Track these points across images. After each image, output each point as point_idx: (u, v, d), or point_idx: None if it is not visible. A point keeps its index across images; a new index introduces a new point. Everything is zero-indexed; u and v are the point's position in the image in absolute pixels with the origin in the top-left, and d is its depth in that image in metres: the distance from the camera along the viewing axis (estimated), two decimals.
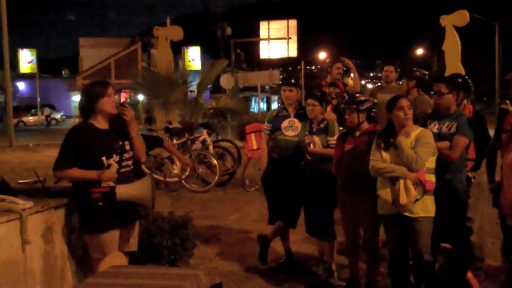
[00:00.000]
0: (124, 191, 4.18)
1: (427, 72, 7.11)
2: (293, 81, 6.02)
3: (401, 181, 4.51)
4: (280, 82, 6.20)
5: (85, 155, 4.15)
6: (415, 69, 7.10)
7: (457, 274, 4.15)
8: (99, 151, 4.18)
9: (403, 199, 4.50)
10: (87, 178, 4.14)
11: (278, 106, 6.38)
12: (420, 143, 4.59)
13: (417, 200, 4.52)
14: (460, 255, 4.19)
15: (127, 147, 4.36)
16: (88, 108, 4.27)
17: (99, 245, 4.24)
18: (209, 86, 13.69)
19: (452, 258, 4.14)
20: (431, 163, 4.62)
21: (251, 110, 32.18)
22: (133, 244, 4.57)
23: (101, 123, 4.28)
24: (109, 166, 4.18)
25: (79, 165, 4.15)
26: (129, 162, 4.38)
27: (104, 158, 4.18)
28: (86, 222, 4.28)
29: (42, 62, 58.67)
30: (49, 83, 59.03)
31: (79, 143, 4.17)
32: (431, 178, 4.61)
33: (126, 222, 4.42)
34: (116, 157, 4.24)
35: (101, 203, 4.13)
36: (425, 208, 4.59)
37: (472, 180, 5.36)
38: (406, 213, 4.59)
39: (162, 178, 11.21)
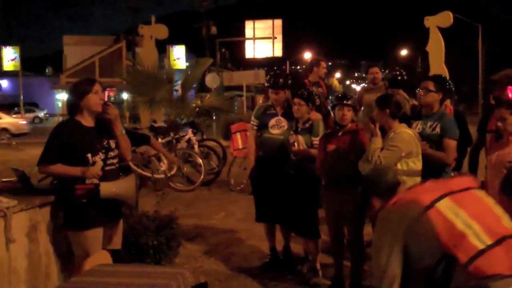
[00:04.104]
0: (107, 188, 4.18)
1: (401, 72, 7.17)
2: (281, 80, 6.03)
3: None
4: (267, 84, 6.18)
5: (70, 152, 4.15)
6: (396, 69, 7.16)
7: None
8: (84, 148, 4.19)
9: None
10: (72, 174, 4.15)
11: (266, 103, 6.39)
12: (387, 146, 4.64)
13: None
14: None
15: (113, 145, 4.37)
16: (74, 105, 4.28)
17: (82, 243, 4.24)
18: (194, 85, 13.64)
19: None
20: (405, 165, 4.64)
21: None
22: (116, 243, 4.57)
23: (87, 121, 4.28)
24: (94, 163, 4.19)
25: (64, 161, 4.15)
26: (115, 160, 4.39)
27: (89, 155, 4.19)
28: (69, 219, 4.28)
29: (25, 60, 58.08)
30: (33, 81, 58.47)
31: (64, 140, 4.18)
32: (405, 181, 4.61)
33: (110, 219, 4.42)
34: (101, 155, 4.26)
35: (84, 200, 4.14)
36: None
37: None
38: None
39: (149, 175, 11.18)
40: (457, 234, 2.71)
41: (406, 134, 4.71)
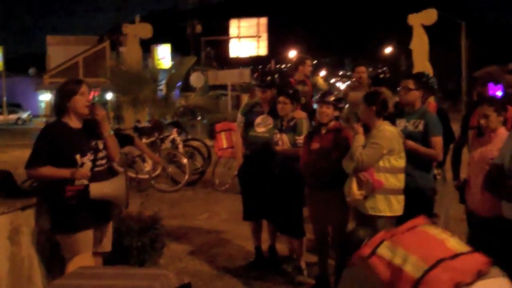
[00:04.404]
0: (97, 189, 4.16)
1: (383, 70, 7.30)
2: (268, 78, 6.03)
3: (351, 178, 4.68)
4: (254, 82, 6.19)
5: (59, 154, 4.13)
6: (379, 67, 7.26)
7: None
8: (72, 150, 4.16)
9: (347, 195, 4.70)
10: (61, 176, 4.12)
11: (253, 100, 6.40)
12: (369, 143, 4.66)
13: (365, 197, 4.62)
14: None
15: (101, 146, 4.35)
16: (61, 106, 4.26)
17: (72, 245, 4.20)
18: (178, 84, 13.62)
19: None
20: (387, 162, 4.65)
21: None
22: (106, 244, 4.54)
23: (74, 122, 4.26)
24: (82, 164, 4.17)
25: (53, 163, 4.13)
26: (103, 161, 4.38)
27: (77, 157, 4.17)
28: (58, 222, 4.24)
29: (8, 60, 57.55)
30: (16, 82, 57.96)
31: (52, 142, 4.15)
32: (387, 178, 4.65)
33: (100, 221, 4.40)
34: (90, 156, 4.24)
35: (74, 202, 4.11)
36: (374, 206, 4.67)
37: (438, 177, 5.45)
38: (360, 210, 4.73)
39: (134, 175, 11.13)
40: (395, 271, 2.85)
41: (388, 132, 4.72)
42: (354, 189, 4.61)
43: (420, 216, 3.28)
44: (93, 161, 4.25)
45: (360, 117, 4.88)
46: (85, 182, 4.14)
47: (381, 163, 4.63)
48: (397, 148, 4.69)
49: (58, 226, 4.26)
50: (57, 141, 4.15)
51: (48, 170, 4.13)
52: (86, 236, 4.25)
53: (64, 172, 4.11)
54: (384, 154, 4.62)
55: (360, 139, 4.69)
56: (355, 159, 4.57)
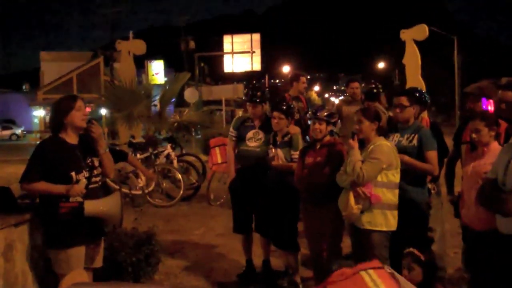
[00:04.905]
0: (92, 206, 4.15)
1: (377, 85, 7.39)
2: (258, 94, 6.06)
3: (347, 192, 4.64)
4: (245, 97, 6.23)
5: (54, 169, 4.12)
6: (372, 82, 7.34)
7: (428, 280, 4.20)
8: (68, 166, 4.16)
9: (344, 209, 4.67)
10: (56, 192, 4.11)
11: (245, 115, 6.44)
12: (368, 158, 4.68)
13: (362, 212, 4.61)
14: (429, 262, 4.24)
15: (96, 163, 4.35)
16: (57, 122, 4.27)
17: (64, 261, 4.18)
18: (173, 100, 13.61)
19: (423, 263, 4.18)
20: (385, 177, 4.68)
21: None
22: (98, 261, 4.53)
23: (71, 138, 4.27)
24: (77, 181, 4.16)
25: (48, 179, 4.11)
26: (98, 179, 4.38)
27: (73, 173, 4.16)
28: (52, 238, 4.22)
29: (2, 76, 57.56)
30: (10, 98, 57.92)
31: (48, 157, 4.15)
32: (384, 193, 4.67)
33: (93, 238, 4.39)
34: (85, 173, 4.23)
35: (69, 218, 4.09)
36: (372, 221, 4.68)
37: (432, 192, 5.47)
38: (356, 224, 4.71)
39: (127, 191, 11.10)
40: None
41: (386, 147, 4.75)
42: (351, 203, 4.62)
43: (374, 260, 3.20)
44: (88, 178, 4.24)
45: (358, 132, 4.87)
46: (79, 199, 4.13)
47: (379, 178, 4.65)
48: (394, 163, 4.72)
49: (50, 242, 4.24)
50: (53, 157, 4.15)
51: (42, 186, 4.13)
52: (79, 252, 4.23)
53: (59, 188, 4.10)
54: (383, 169, 4.65)
55: (357, 153, 4.70)
56: (355, 174, 4.58)
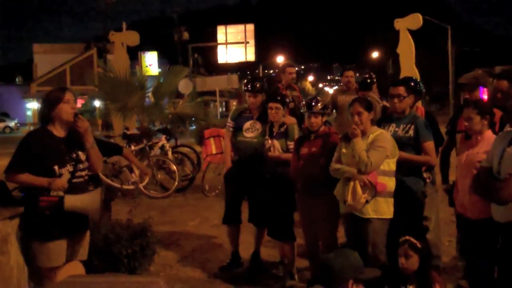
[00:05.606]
0: (72, 201, 4.10)
1: (370, 75, 7.40)
2: (258, 85, 6.05)
3: (351, 182, 4.62)
4: (245, 87, 6.21)
5: (37, 162, 4.09)
6: (366, 72, 7.34)
7: (424, 268, 4.21)
8: (52, 159, 4.12)
9: (349, 199, 4.62)
10: (38, 184, 4.07)
11: (242, 106, 6.44)
12: (374, 146, 4.66)
13: (367, 201, 4.60)
14: (424, 250, 4.25)
15: (83, 158, 4.30)
16: (45, 114, 4.23)
17: (45, 254, 4.14)
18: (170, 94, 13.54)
19: (420, 251, 4.19)
20: (387, 165, 4.68)
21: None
22: (82, 254, 4.46)
23: (58, 131, 4.23)
24: (60, 175, 4.12)
25: (31, 171, 4.08)
26: (83, 173, 4.32)
27: (56, 167, 4.12)
28: (32, 230, 4.18)
29: None
30: (2, 91, 57.70)
31: (32, 149, 4.11)
32: (386, 181, 4.67)
33: (75, 232, 4.33)
34: (69, 167, 4.19)
35: (48, 212, 4.06)
36: (377, 209, 4.67)
37: (427, 181, 5.48)
38: (357, 214, 4.68)
39: (119, 186, 11.05)
40: None
41: (388, 135, 4.79)
42: (359, 193, 4.58)
43: None
44: (72, 172, 4.19)
45: (359, 124, 4.79)
46: (61, 193, 4.07)
47: (382, 167, 4.65)
48: (394, 151, 4.73)
49: (31, 233, 4.19)
50: (38, 149, 4.10)
51: (25, 177, 4.09)
52: (59, 246, 4.18)
53: (41, 181, 4.07)
54: (387, 157, 4.65)
55: (361, 143, 4.68)
56: (363, 163, 4.56)
